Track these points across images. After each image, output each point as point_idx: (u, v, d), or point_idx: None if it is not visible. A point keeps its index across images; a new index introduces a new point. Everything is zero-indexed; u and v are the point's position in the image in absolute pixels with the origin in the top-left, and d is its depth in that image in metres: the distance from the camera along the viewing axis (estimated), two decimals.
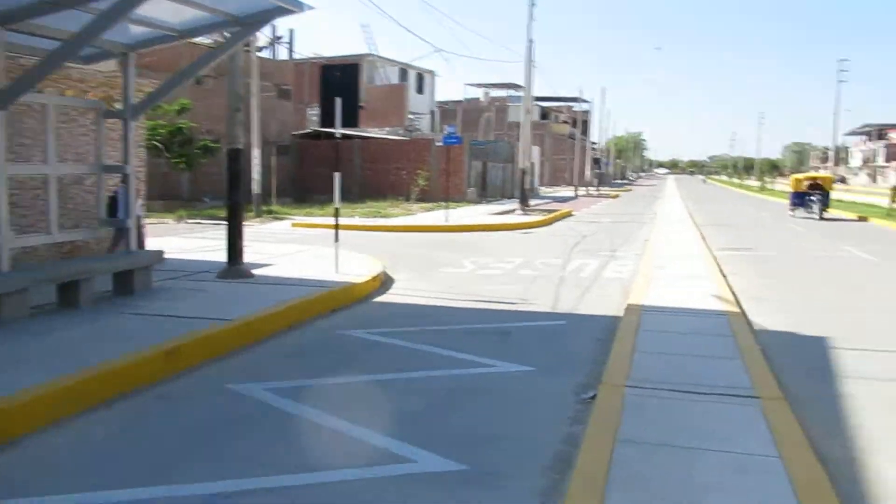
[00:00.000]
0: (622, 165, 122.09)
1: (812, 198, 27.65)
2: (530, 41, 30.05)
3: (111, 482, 3.93)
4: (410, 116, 46.26)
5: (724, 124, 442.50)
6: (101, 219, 9.44)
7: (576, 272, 12.27)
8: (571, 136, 67.00)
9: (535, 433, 4.75)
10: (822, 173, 37.59)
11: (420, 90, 52.49)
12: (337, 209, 11.29)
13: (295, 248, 14.15)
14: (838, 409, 5.35)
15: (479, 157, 37.00)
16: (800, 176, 31.89)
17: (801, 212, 28.23)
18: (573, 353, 6.90)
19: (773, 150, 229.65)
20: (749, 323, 8.01)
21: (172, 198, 26.38)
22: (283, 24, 47.86)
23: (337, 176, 11.05)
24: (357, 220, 21.82)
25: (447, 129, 26.88)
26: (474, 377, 6.02)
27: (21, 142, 9.47)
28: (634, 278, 11.18)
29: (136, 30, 8.54)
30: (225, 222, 10.47)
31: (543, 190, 52.44)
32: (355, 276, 10.30)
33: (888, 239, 20.04)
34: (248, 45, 25.95)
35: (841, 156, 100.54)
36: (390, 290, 10.33)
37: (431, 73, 53.98)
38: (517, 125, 35.84)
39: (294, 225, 21.34)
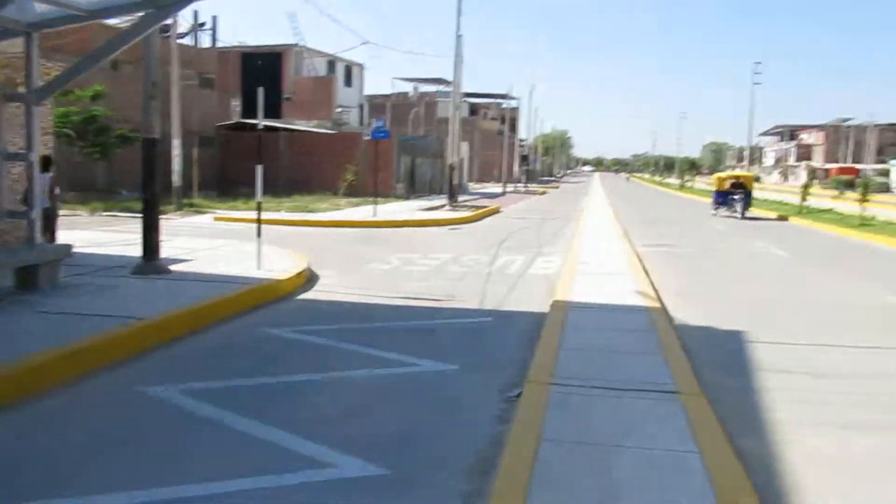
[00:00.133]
0: (549, 163, 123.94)
1: (735, 196, 27.54)
2: (459, 36, 30.08)
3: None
4: (338, 109, 45.66)
5: (647, 124, 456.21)
6: (2, 210, 8.86)
7: (503, 268, 12.30)
8: (500, 133, 67.55)
9: (460, 434, 4.67)
10: (744, 172, 38.66)
11: (348, 83, 51.88)
12: (259, 203, 10.96)
13: (216, 243, 13.70)
14: (754, 402, 5.48)
15: (408, 152, 36.84)
16: (723, 175, 32.02)
17: (723, 210, 28.16)
18: (499, 350, 6.87)
19: (692, 149, 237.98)
20: (670, 318, 8.16)
21: (86, 189, 25.16)
22: (205, 10, 46.33)
23: (259, 169, 10.72)
24: (283, 215, 21.35)
25: (375, 123, 26.62)
26: (398, 377, 5.91)
27: None
28: (560, 274, 11.28)
29: (40, 7, 8.04)
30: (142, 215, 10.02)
31: (472, 186, 52.69)
32: (279, 272, 10.02)
33: (804, 237, 20.95)
34: (167, 30, 25.05)
35: (755, 156, 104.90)
36: (315, 287, 10.10)
37: (360, 66, 53.49)
38: (446, 121, 35.85)
39: (217, 219, 20.71)
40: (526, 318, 8.19)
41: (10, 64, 10.56)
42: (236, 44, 41.08)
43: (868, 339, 7.78)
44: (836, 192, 39.73)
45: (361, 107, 55.02)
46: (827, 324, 8.62)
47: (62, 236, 11.23)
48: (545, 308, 8.49)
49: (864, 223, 22.97)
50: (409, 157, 36.97)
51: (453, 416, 5.02)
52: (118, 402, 5.18)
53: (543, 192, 51.99)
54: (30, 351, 5.62)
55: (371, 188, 23.40)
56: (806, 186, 31.65)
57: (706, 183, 73.08)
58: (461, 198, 32.71)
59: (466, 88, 55.11)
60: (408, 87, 69.96)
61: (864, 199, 25.00)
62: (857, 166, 77.43)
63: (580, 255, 13.53)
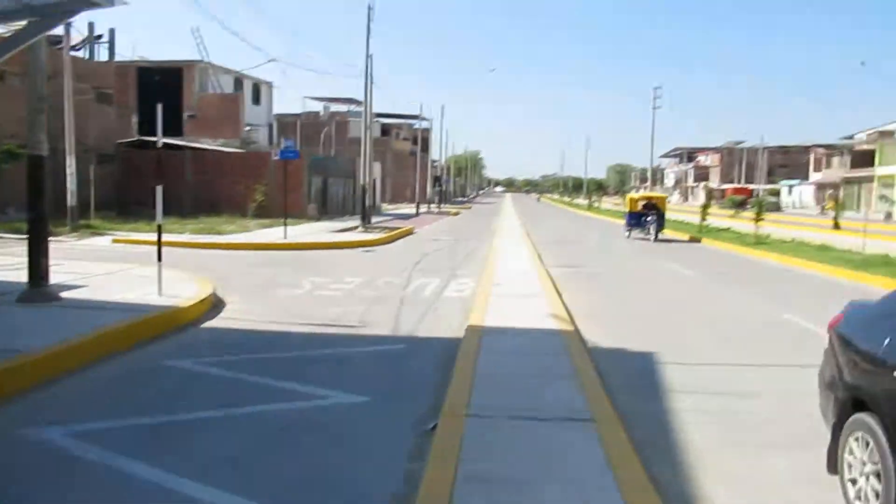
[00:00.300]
0: (462, 184, 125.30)
1: (648, 218, 26.66)
2: (369, 56, 30.01)
3: None
4: (247, 128, 44.57)
5: (556, 146, 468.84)
6: None
7: (417, 292, 12.14)
8: (413, 154, 67.72)
9: (373, 474, 4.44)
10: (656, 193, 38.52)
11: (257, 101, 50.79)
12: (159, 226, 10.40)
13: (114, 267, 12.96)
14: (667, 425, 5.50)
15: (319, 172, 36.29)
16: (635, 196, 31.08)
17: (637, 233, 27.36)
18: (413, 379, 6.68)
19: (599, 170, 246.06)
20: (583, 340, 8.20)
21: None
22: (102, 23, 44.43)
23: (159, 189, 10.19)
24: (188, 237, 20.50)
25: (285, 143, 26.07)
26: (307, 411, 5.62)
27: None
28: (475, 297, 11.21)
29: None
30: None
31: (385, 207, 52.47)
32: (182, 298, 9.51)
33: (708, 256, 21.76)
34: (59, 41, 23.82)
35: (657, 177, 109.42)
36: (221, 314, 9.65)
37: (269, 84, 52.42)
38: (358, 141, 35.51)
39: (116, 241, 19.69)
40: (440, 345, 8.04)
41: None
42: (137, 58, 39.47)
43: (772, 357, 8.04)
44: (732, 212, 41.73)
45: (271, 126, 53.92)
46: (732, 341, 8.88)
47: None
48: (460, 333, 8.37)
49: (760, 241, 24.15)
50: (320, 178, 36.42)
51: (365, 454, 4.79)
52: None
53: (456, 213, 52.31)
54: None
55: (282, 209, 22.83)
56: (705, 207, 32.86)
57: (612, 203, 75.59)
58: (374, 219, 32.44)
59: (378, 109, 55.02)
60: (319, 107, 69.23)
61: (758, 219, 26.31)
62: (751, 186, 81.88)
63: (494, 276, 13.54)
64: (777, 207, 63.85)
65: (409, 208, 52.53)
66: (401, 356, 7.68)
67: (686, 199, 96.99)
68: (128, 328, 7.81)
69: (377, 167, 44.29)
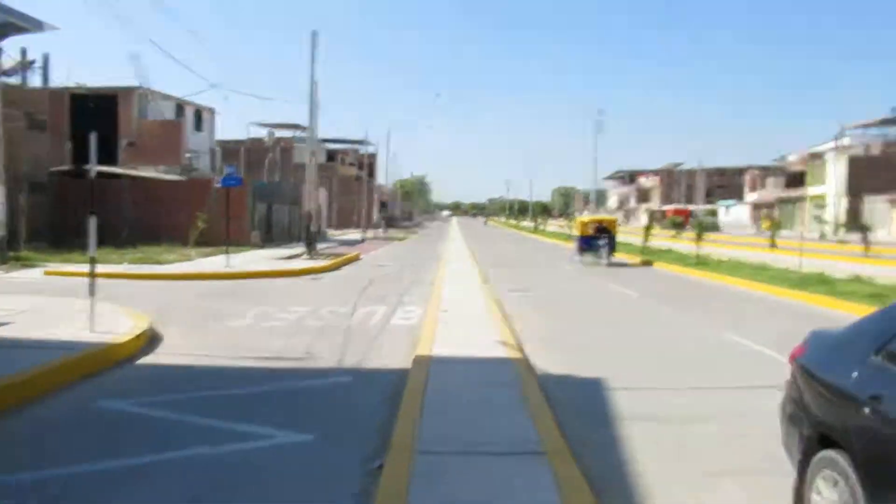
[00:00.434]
0: (409, 209, 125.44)
1: (599, 242, 26.03)
2: (314, 82, 29.76)
3: None
4: (188, 155, 43.68)
5: (501, 169, 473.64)
6: None
7: (364, 320, 11.92)
8: (359, 179, 67.45)
9: None
10: (607, 216, 38.42)
11: (199, 127, 49.89)
12: (92, 258, 9.98)
13: (44, 302, 12.38)
14: (618, 455, 5.43)
15: (263, 198, 35.73)
16: (584, 219, 30.66)
17: (588, 257, 26.39)
18: (360, 414, 6.47)
19: (544, 193, 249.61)
20: (531, 367, 8.11)
21: None
22: (35, 47, 43.11)
23: (92, 219, 9.80)
24: (126, 268, 19.81)
25: (227, 170, 25.58)
26: (248, 453, 5.36)
27: None
28: (422, 324, 11.06)
29: None
30: None
31: (332, 232, 51.96)
32: (116, 334, 9.11)
33: (655, 278, 22.08)
34: None
35: (600, 199, 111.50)
36: (159, 350, 9.27)
37: (211, 110, 51.57)
38: (303, 166, 35.13)
39: (48, 273, 18.88)
40: (388, 376, 7.85)
41: None
42: (73, 84, 38.39)
43: (718, 380, 8.11)
44: (673, 233, 42.65)
45: (213, 152, 52.99)
46: (678, 362, 8.94)
47: None
48: (408, 363, 8.20)
49: (700, 262, 24.64)
50: (264, 204, 35.86)
51: (311, 497, 4.57)
52: None
53: (403, 238, 52.16)
54: None
55: (224, 237, 22.30)
56: (647, 228, 33.50)
57: (557, 225, 76.49)
58: (320, 245, 32.00)
59: (324, 134, 54.78)
60: (263, 133, 68.42)
61: (698, 239, 26.90)
62: (690, 207, 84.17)
63: (441, 302, 13.41)
64: (716, 227, 65.58)
65: (355, 234, 52.15)
66: (347, 389, 7.46)
67: (628, 220, 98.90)
68: (54, 368, 7.39)
69: (323, 193, 43.85)
